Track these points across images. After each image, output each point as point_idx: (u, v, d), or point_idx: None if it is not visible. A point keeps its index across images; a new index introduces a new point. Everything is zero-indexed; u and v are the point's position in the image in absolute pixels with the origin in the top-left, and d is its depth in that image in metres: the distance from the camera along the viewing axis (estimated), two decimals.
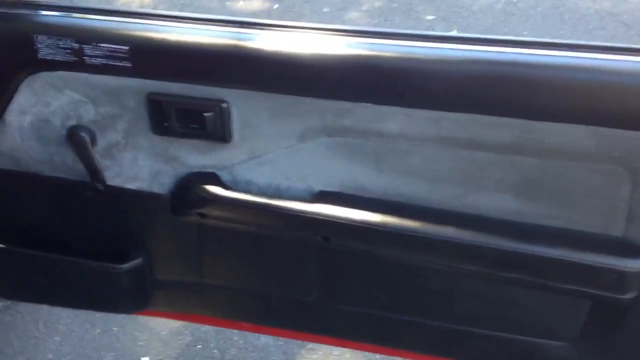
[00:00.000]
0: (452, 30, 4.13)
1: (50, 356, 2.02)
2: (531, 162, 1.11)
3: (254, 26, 1.14)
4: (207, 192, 1.26)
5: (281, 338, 1.97)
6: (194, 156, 1.26)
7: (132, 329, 2.07)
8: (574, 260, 1.14)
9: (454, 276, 1.25)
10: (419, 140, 1.13)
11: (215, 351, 2.02)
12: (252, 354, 2.01)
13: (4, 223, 1.45)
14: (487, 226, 1.17)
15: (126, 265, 1.40)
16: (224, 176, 1.27)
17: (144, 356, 2.01)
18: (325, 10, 4.46)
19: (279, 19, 4.25)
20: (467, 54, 1.06)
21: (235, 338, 2.02)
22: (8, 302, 2.03)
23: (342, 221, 1.21)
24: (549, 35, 4.05)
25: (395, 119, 1.12)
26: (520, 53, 1.04)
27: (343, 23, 4.24)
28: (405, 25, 4.19)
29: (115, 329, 2.08)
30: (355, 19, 4.31)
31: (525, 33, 4.08)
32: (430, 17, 4.26)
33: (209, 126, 1.19)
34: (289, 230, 1.28)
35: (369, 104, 1.11)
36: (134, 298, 1.48)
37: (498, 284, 1.24)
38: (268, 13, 4.29)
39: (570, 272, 1.15)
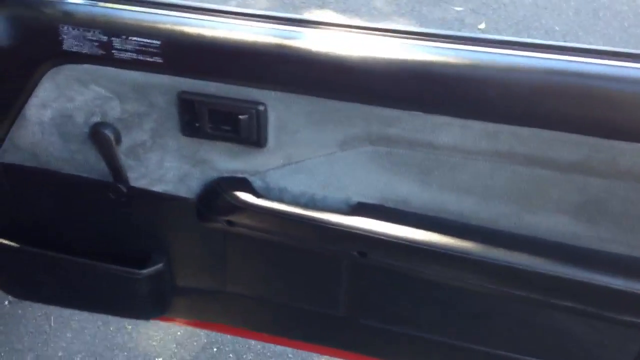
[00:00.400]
0: (481, 22, 4.01)
1: (60, 353, 1.95)
2: (596, 183, 1.01)
3: (296, 23, 1.05)
4: (237, 198, 1.17)
5: None
6: (224, 160, 1.17)
7: (146, 328, 1.99)
8: (635, 289, 1.04)
9: (499, 300, 1.16)
10: (473, 153, 1.03)
11: (231, 355, 1.95)
12: None
13: (21, 222, 1.37)
14: (541, 249, 1.07)
15: (146, 271, 1.32)
16: (256, 182, 1.18)
17: (157, 357, 1.94)
18: None
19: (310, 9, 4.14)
20: (534, 62, 0.96)
21: (252, 342, 1.94)
22: None
23: (381, 237, 1.12)
24: (582, 31, 3.92)
25: (448, 130, 1.02)
26: (595, 63, 0.94)
27: (369, 10, 4.13)
28: (432, 15, 4.07)
29: (129, 327, 2.01)
30: (381, 7, 4.19)
31: (557, 28, 3.96)
32: (458, 8, 4.14)
33: (244, 129, 1.10)
34: (323, 242, 1.19)
35: (420, 113, 1.02)
36: (152, 304, 1.41)
37: (547, 310, 1.14)
38: None
39: (631, 302, 1.06)
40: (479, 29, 3.93)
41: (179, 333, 1.99)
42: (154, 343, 1.98)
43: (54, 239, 1.36)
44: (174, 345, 1.97)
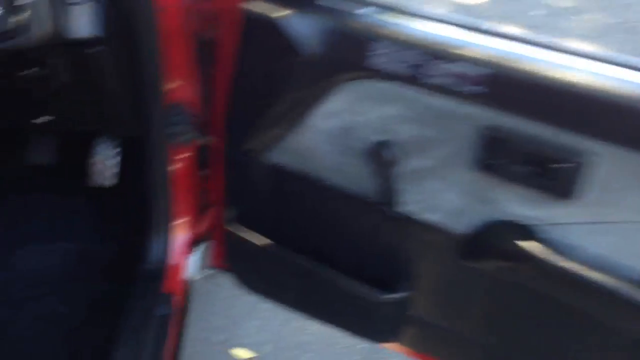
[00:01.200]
0: None
1: (246, 340, 1.96)
2: None
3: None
4: (521, 247, 1.09)
5: None
6: (515, 204, 1.09)
7: (334, 333, 1.94)
8: None
9: None
10: None
11: None
12: None
13: (275, 219, 1.37)
14: None
15: (391, 297, 1.28)
16: (545, 233, 1.09)
17: None
18: (531, 13, 4.14)
19: (481, 16, 3.99)
20: None
21: None
22: (212, 271, 1.93)
23: None
24: None
25: None
26: None
27: (552, 29, 3.91)
28: (627, 45, 3.79)
29: (320, 328, 1.97)
30: (566, 28, 3.97)
31: None
32: None
33: (552, 178, 1.02)
34: (617, 316, 1.08)
35: None
36: (388, 329, 1.37)
37: None
38: (466, 11, 4.03)
39: None
40: None
41: (364, 346, 1.94)
42: (341, 351, 1.95)
43: (304, 244, 1.34)
44: (359, 358, 1.93)
